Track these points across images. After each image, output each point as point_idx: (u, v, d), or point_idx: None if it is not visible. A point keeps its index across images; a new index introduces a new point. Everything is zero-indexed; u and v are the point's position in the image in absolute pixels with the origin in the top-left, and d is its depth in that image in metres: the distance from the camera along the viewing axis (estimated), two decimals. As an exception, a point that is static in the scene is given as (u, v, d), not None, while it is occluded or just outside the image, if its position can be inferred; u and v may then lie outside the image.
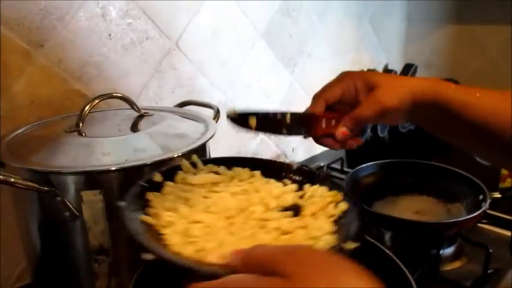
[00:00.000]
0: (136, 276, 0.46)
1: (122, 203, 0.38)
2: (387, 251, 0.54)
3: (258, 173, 0.48)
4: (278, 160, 0.52)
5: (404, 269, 0.50)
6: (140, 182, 0.42)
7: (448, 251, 0.79)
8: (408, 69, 1.37)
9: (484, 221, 0.82)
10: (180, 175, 0.45)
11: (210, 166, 0.48)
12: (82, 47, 0.74)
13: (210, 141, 0.58)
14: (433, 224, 0.74)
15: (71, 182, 0.49)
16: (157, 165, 0.50)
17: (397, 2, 1.43)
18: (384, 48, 1.41)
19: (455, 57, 1.53)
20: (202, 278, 0.30)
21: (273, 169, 0.49)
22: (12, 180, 0.46)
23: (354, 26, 1.28)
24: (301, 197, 0.46)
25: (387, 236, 0.83)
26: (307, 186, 0.47)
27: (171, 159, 0.51)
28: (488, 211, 0.79)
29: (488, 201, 0.76)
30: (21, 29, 0.66)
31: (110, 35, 0.76)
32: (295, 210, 0.43)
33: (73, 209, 0.48)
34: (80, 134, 0.55)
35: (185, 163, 0.46)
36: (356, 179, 0.90)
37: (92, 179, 0.48)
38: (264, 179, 0.47)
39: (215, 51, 0.94)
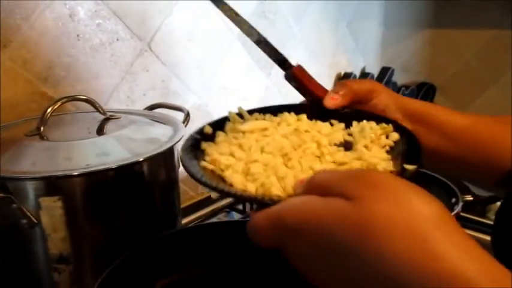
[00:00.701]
0: (98, 284, 0.45)
1: (181, 153, 0.41)
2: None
3: (304, 116, 0.48)
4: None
5: None
6: (192, 134, 0.45)
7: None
8: (385, 73, 1.38)
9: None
10: (229, 125, 0.47)
11: (256, 115, 0.49)
12: (49, 47, 0.71)
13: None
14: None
15: (29, 188, 0.46)
16: (120, 169, 0.48)
17: (375, 6, 1.44)
18: (361, 51, 1.42)
19: (432, 61, 1.54)
20: None
21: (319, 112, 0.49)
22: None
23: (331, 30, 1.28)
24: (350, 134, 0.46)
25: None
26: (355, 124, 0.47)
27: (135, 163, 0.49)
28: (462, 214, 0.79)
29: (461, 204, 0.77)
30: (-18, 28, 0.64)
31: (78, 35, 0.74)
32: (346, 146, 0.44)
33: (31, 216, 0.46)
34: (42, 137, 0.53)
35: (232, 114, 0.48)
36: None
37: (52, 184, 0.47)
38: (310, 121, 0.48)
39: (189, 54, 0.92)
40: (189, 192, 0.99)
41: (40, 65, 0.71)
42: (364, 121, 0.47)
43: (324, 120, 0.48)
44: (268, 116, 0.49)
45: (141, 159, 0.50)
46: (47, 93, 0.72)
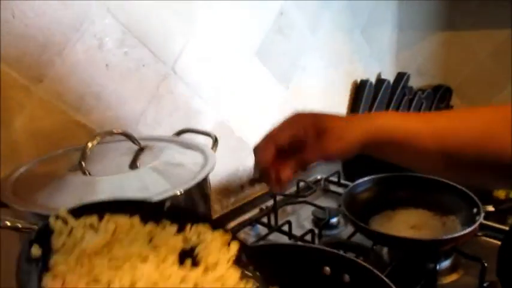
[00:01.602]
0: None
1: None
2: (382, 276, 0.55)
3: (137, 221, 0.46)
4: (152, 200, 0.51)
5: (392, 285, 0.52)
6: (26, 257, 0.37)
7: (445, 264, 0.81)
8: (401, 79, 1.40)
9: (479, 234, 0.84)
10: (58, 239, 0.40)
11: (83, 220, 0.43)
12: (80, 78, 0.75)
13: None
14: (429, 241, 0.76)
15: (76, 223, 0.50)
16: (161, 203, 0.51)
17: (388, 11, 1.45)
18: (376, 57, 1.43)
19: (447, 63, 1.55)
20: None
21: (148, 211, 0.48)
22: (19, 226, 0.48)
23: (346, 38, 1.30)
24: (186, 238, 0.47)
25: (385, 251, 0.85)
26: (188, 228, 0.48)
27: (174, 196, 0.52)
28: (483, 221, 0.80)
29: (482, 214, 0.78)
30: (20, 65, 0.68)
31: (107, 65, 0.78)
32: (188, 255, 0.45)
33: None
34: (84, 172, 0.57)
35: (57, 223, 0.41)
36: (353, 195, 0.91)
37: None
38: (143, 227, 0.46)
39: (210, 72, 0.95)
40: (213, 206, 1.02)
41: (73, 96, 0.75)
42: (200, 225, 0.47)
43: (157, 220, 0.47)
44: (99, 222, 0.44)
45: (178, 193, 0.53)
46: (80, 121, 0.76)
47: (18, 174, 0.60)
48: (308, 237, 0.89)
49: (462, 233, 0.74)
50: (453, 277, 0.79)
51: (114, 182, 0.54)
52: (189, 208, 0.54)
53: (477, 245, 0.85)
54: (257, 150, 0.51)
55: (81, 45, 0.74)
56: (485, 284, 0.74)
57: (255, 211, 1.03)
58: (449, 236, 0.74)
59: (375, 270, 0.56)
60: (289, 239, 0.92)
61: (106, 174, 0.56)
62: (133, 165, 0.60)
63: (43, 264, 0.38)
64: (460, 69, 1.54)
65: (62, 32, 0.71)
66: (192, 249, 0.47)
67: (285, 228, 0.93)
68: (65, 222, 0.42)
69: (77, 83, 0.75)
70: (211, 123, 0.98)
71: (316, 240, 0.89)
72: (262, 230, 0.97)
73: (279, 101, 1.13)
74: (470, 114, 0.50)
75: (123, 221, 0.45)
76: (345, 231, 0.95)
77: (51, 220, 0.41)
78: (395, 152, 0.50)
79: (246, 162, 1.08)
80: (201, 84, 0.94)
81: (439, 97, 1.53)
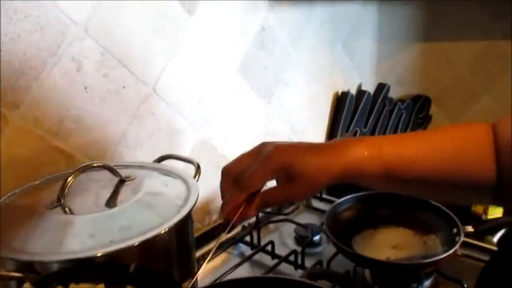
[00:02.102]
0: None
1: None
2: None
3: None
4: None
5: None
6: None
7: (426, 283, 0.82)
8: (381, 90, 1.41)
9: (459, 254, 0.85)
10: None
11: None
12: (58, 102, 0.73)
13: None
14: (410, 265, 0.77)
15: (57, 267, 0.49)
16: (143, 243, 0.50)
17: (369, 23, 1.46)
18: (356, 69, 1.44)
19: (426, 73, 1.57)
20: None
21: (114, 275, 0.48)
22: (-2, 273, 0.46)
23: (327, 51, 1.30)
24: None
25: (367, 271, 0.86)
26: None
27: (157, 235, 0.51)
28: (464, 239, 0.81)
29: (462, 235, 0.80)
30: (-5, 92, 0.65)
31: (86, 88, 0.76)
32: None
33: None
34: (64, 210, 0.55)
35: None
36: (335, 214, 0.92)
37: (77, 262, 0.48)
38: None
39: (191, 91, 0.94)
40: (196, 224, 1.01)
41: (51, 121, 0.72)
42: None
43: (122, 285, 0.47)
44: (71, 286, 0.45)
45: (163, 232, 0.52)
46: (59, 146, 0.74)
47: (-6, 209, 0.58)
48: (292, 257, 0.90)
49: (442, 256, 0.75)
50: (434, 297, 0.81)
51: (95, 221, 0.53)
52: (155, 271, 0.52)
53: (457, 263, 0.86)
54: (227, 201, 0.51)
55: (59, 68, 0.72)
56: (465, 305, 0.76)
57: (237, 229, 1.03)
58: (430, 260, 0.75)
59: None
60: (272, 259, 0.92)
61: (86, 212, 0.55)
62: (114, 200, 0.58)
63: None
64: (439, 80, 1.57)
65: (38, 55, 0.69)
66: None
67: (269, 248, 0.93)
68: None
69: (55, 107, 0.73)
70: (193, 141, 0.97)
71: (299, 261, 0.89)
72: (245, 249, 0.97)
73: (261, 117, 1.13)
74: (440, 137, 0.50)
75: None
76: (328, 248, 0.96)
77: None
78: (364, 182, 0.50)
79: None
80: (183, 103, 0.93)
81: (419, 107, 1.55)
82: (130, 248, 0.49)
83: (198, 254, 0.93)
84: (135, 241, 0.50)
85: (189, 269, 0.63)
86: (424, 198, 0.84)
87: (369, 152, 0.48)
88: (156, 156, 0.78)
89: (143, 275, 0.49)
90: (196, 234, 0.98)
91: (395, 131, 1.51)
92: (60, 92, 0.73)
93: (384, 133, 1.46)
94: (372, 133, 1.43)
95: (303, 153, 0.48)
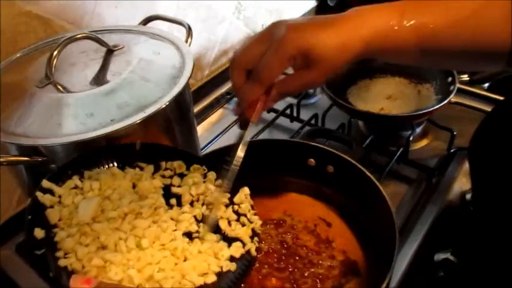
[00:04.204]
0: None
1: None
2: (361, 167, 0.59)
3: (115, 170, 0.47)
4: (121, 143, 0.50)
5: (370, 175, 0.57)
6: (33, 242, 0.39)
7: (417, 131, 0.85)
8: None
9: (452, 102, 0.85)
10: (53, 215, 0.41)
11: (66, 185, 0.44)
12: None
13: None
14: (404, 117, 0.78)
15: (62, 150, 0.49)
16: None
17: None
18: None
19: None
20: None
21: (123, 155, 0.49)
22: (2, 160, 0.46)
23: None
24: (163, 176, 0.49)
25: (361, 123, 0.88)
26: (163, 166, 0.50)
27: (157, 111, 0.50)
28: (459, 86, 0.82)
29: (457, 84, 0.80)
30: None
31: None
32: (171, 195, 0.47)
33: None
34: (56, 87, 0.52)
35: (46, 197, 0.42)
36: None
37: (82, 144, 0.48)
38: (123, 175, 0.47)
39: None
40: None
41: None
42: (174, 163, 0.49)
43: (131, 163, 0.48)
44: (83, 180, 0.45)
45: (162, 106, 0.50)
46: (31, 11, 0.67)
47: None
48: (288, 111, 0.91)
49: (436, 107, 0.76)
50: (423, 142, 0.85)
51: (91, 99, 0.51)
52: (160, 144, 0.52)
53: (448, 110, 0.88)
54: (243, 97, 0.47)
55: None
56: (452, 150, 0.80)
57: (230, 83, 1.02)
58: (423, 111, 0.76)
59: (356, 163, 0.60)
60: (268, 112, 0.93)
61: (80, 89, 0.52)
62: (106, 74, 0.55)
63: (49, 243, 0.39)
64: None
65: None
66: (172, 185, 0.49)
67: (264, 102, 0.93)
68: (52, 192, 0.42)
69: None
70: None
71: (295, 113, 0.91)
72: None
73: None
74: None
75: (103, 174, 0.46)
76: (323, 99, 0.96)
77: (39, 195, 0.41)
78: (388, 56, 0.47)
79: (217, 31, 1.02)
80: None
81: None
82: (132, 126, 0.48)
83: (195, 110, 0.94)
84: (136, 119, 0.49)
85: (192, 137, 0.64)
86: (441, 68, 0.79)
87: (393, 20, 0.43)
88: (138, 16, 0.72)
89: (149, 151, 0.50)
90: (192, 89, 0.98)
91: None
92: None
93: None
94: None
95: (320, 31, 0.43)
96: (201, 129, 0.91)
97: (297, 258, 0.58)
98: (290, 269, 0.56)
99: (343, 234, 0.61)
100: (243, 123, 0.49)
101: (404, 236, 0.65)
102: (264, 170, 0.62)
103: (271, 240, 0.59)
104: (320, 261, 0.57)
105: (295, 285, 0.54)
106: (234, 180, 0.48)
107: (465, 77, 0.81)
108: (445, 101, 0.76)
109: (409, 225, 0.67)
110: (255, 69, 0.45)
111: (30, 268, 0.66)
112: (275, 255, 0.58)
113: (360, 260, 0.58)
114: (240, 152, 0.47)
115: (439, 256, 0.62)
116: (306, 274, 0.56)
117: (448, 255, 0.61)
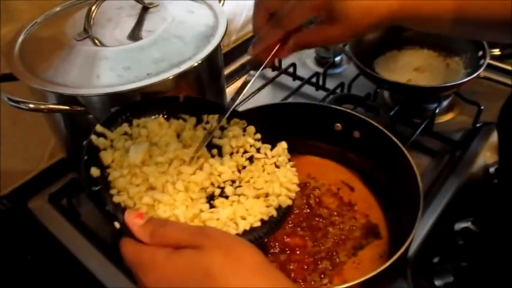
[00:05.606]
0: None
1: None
2: (387, 133, 0.59)
3: (161, 120, 0.49)
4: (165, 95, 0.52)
5: (397, 141, 0.58)
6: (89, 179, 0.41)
7: (444, 103, 0.85)
8: None
9: (481, 76, 0.84)
10: (107, 156, 0.43)
11: (117, 130, 0.47)
12: None
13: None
14: (431, 88, 0.78)
15: (98, 100, 0.50)
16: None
17: None
18: None
19: None
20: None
21: (168, 107, 0.51)
22: (42, 107, 0.48)
23: None
24: (205, 128, 0.50)
25: (387, 93, 0.88)
26: (205, 118, 0.51)
27: (191, 67, 0.51)
28: (489, 61, 0.80)
29: (488, 58, 0.79)
30: None
31: None
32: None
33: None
34: (94, 42, 0.54)
35: (100, 140, 0.44)
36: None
37: (118, 96, 0.50)
38: (168, 125, 0.49)
39: None
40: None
41: None
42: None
43: (175, 114, 0.50)
44: (126, 125, 0.47)
45: (196, 64, 0.52)
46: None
47: (20, 41, 0.57)
48: (314, 79, 0.91)
49: (464, 80, 0.76)
50: (449, 116, 0.85)
51: (127, 53, 0.52)
52: (202, 98, 0.55)
53: (476, 85, 0.86)
54: (260, 38, 0.47)
55: None
56: (478, 125, 0.80)
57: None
58: (451, 83, 0.76)
59: (383, 128, 0.60)
60: (294, 80, 0.94)
61: (116, 44, 0.54)
62: (142, 30, 0.56)
63: (104, 181, 0.41)
64: None
65: None
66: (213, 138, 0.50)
67: (290, 70, 0.94)
68: (104, 136, 0.45)
69: None
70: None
71: (321, 82, 0.91)
72: (267, 71, 0.97)
73: None
74: None
75: (150, 123, 0.48)
76: (349, 69, 0.96)
77: (93, 138, 0.44)
78: (418, 25, 0.47)
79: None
80: None
81: None
82: (166, 83, 0.50)
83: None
84: (171, 73, 0.50)
85: (221, 93, 0.65)
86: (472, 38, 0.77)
87: None
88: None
89: (192, 104, 0.52)
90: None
91: None
92: None
93: None
94: None
95: None
96: (228, 93, 0.92)
97: (320, 219, 0.59)
98: (312, 229, 0.58)
99: (365, 199, 0.62)
100: (255, 64, 0.50)
101: (426, 205, 0.66)
102: (290, 133, 0.63)
103: (295, 201, 0.61)
104: (342, 223, 0.59)
105: (317, 244, 0.56)
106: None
107: (496, 51, 0.80)
108: (474, 75, 0.76)
109: (431, 195, 0.68)
110: (277, 13, 0.45)
111: (61, 217, 0.69)
112: (299, 215, 0.59)
113: (381, 224, 0.59)
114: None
115: (460, 225, 0.62)
116: (328, 234, 0.57)
117: (468, 225, 0.61)
